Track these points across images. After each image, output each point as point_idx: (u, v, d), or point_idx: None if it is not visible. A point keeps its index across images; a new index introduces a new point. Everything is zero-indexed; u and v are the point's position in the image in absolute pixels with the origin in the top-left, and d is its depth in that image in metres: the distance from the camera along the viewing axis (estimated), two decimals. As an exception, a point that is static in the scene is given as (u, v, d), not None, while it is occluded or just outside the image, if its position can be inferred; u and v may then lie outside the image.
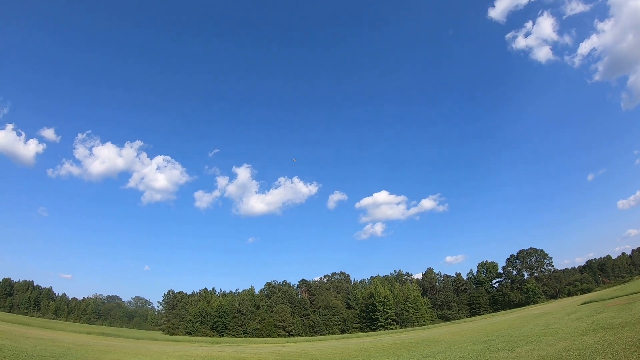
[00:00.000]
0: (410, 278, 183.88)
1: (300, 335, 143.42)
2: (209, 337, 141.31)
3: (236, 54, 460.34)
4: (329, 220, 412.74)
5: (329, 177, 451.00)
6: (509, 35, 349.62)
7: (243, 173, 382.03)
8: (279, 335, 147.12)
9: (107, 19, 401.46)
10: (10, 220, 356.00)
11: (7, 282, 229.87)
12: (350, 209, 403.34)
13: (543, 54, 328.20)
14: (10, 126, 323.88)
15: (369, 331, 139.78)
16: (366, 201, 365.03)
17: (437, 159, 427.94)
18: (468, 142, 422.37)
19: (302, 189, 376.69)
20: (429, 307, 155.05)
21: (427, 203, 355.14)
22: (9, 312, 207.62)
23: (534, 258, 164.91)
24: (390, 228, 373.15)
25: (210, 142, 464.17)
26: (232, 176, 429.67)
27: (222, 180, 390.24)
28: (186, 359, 37.35)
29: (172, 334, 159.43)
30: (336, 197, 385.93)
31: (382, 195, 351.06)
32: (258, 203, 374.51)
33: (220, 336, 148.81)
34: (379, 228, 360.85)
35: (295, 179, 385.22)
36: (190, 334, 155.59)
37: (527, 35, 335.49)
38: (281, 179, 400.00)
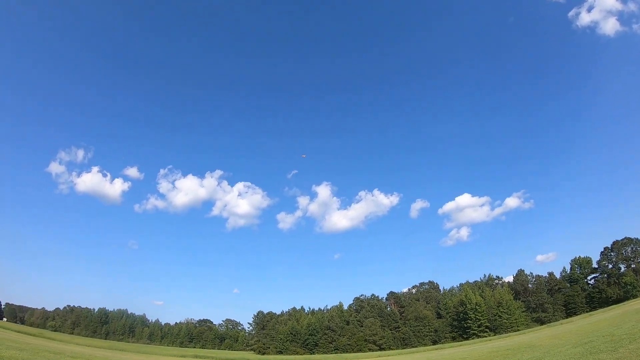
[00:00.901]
0: (500, 282, 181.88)
1: (392, 349, 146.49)
2: (299, 355, 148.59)
3: (304, 71, 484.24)
4: (413, 229, 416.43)
5: (410, 186, 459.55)
6: (571, 14, 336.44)
7: (323, 191, 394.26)
8: (369, 349, 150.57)
9: (178, 55, 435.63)
10: (103, 255, 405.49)
11: (103, 312, 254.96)
12: (433, 215, 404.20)
13: (610, 26, 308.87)
14: (95, 169, 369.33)
15: (461, 340, 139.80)
16: (449, 206, 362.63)
17: (516, 154, 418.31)
18: (545, 131, 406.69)
19: (383, 200, 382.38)
20: (523, 311, 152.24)
21: (512, 201, 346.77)
22: (105, 339, 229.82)
23: (630, 248, 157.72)
24: (476, 231, 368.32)
25: (288, 163, 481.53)
26: (313, 195, 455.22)
27: (303, 200, 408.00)
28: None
29: (263, 354, 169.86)
30: (418, 205, 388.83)
31: (464, 199, 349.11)
32: (341, 219, 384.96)
33: (311, 353, 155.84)
34: (464, 232, 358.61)
35: (376, 191, 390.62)
36: (281, 352, 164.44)
37: (590, 9, 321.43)
38: (361, 193, 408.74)
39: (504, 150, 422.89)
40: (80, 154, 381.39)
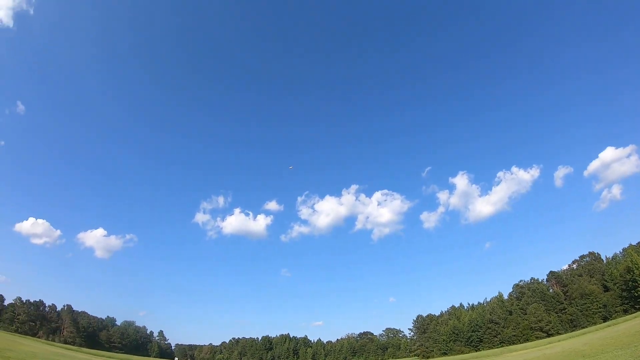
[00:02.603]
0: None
1: (559, 333, 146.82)
2: (465, 354, 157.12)
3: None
4: (562, 199, 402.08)
5: (548, 155, 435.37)
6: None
7: (460, 181, 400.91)
8: (537, 337, 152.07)
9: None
10: (259, 287, 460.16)
11: (267, 339, 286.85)
12: (579, 180, 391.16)
13: None
14: (237, 210, 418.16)
15: (634, 312, 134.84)
16: (593, 165, 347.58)
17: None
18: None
19: (523, 176, 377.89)
20: None
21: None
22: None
23: None
24: (628, 186, 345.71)
25: (420, 161, 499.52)
26: (451, 188, 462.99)
27: (442, 196, 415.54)
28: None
29: (428, 357, 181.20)
30: (561, 172, 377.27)
31: (608, 153, 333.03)
32: (484, 206, 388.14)
33: (476, 350, 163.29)
34: (616, 191, 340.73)
35: (514, 169, 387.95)
36: (445, 354, 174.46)
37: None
38: (500, 174, 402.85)
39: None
40: (221, 200, 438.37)
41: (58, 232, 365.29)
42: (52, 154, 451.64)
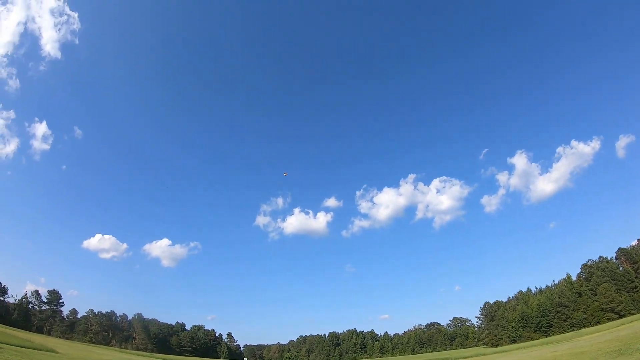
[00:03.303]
0: None
1: (632, 314, 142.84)
2: (535, 340, 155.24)
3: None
4: (627, 170, 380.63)
5: (607, 125, 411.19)
6: None
7: (519, 161, 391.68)
8: (608, 319, 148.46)
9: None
10: (325, 282, 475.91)
11: (334, 335, 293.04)
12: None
13: None
14: (297, 210, 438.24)
15: None
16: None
17: None
18: None
19: (584, 150, 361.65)
20: None
21: None
22: (339, 359, 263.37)
23: None
24: None
25: (477, 143, 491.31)
26: (510, 168, 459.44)
27: (502, 177, 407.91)
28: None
29: (497, 346, 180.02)
30: (622, 142, 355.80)
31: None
32: (546, 184, 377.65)
33: (546, 336, 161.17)
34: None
35: (574, 142, 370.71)
36: (514, 341, 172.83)
37: None
38: (559, 150, 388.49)
39: None
40: (280, 201, 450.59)
41: (125, 245, 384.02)
42: (111, 173, 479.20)
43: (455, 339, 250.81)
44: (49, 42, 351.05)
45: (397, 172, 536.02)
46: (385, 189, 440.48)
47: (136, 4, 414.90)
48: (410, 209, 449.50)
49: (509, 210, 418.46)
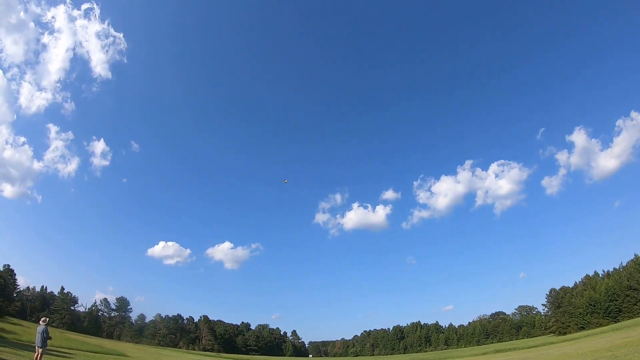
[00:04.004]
0: None
1: None
2: (604, 327, 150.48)
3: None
4: None
5: None
6: None
7: (578, 138, 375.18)
8: None
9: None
10: (387, 276, 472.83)
11: (398, 329, 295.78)
12: None
13: None
14: (355, 205, 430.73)
15: None
16: None
17: None
18: None
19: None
20: None
21: None
22: (404, 353, 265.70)
23: None
24: None
25: (532, 123, 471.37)
26: (569, 146, 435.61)
27: (561, 157, 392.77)
28: (590, 355, 41.71)
29: (564, 334, 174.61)
30: None
31: None
32: (608, 160, 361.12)
33: (615, 322, 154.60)
34: None
35: (633, 114, 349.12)
36: (583, 328, 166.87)
37: None
38: (619, 122, 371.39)
39: None
40: (338, 197, 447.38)
41: (188, 250, 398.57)
42: (170, 181, 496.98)
43: (521, 328, 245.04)
44: (99, 63, 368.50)
45: (453, 159, 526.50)
46: (443, 177, 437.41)
47: (180, 17, 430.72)
48: (470, 196, 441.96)
49: (571, 190, 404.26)
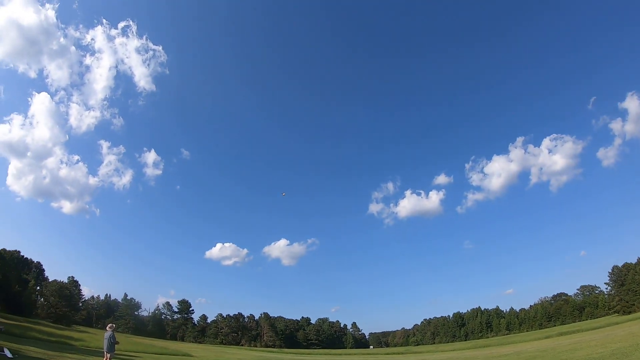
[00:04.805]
0: None
1: None
2: None
3: None
4: None
5: None
6: None
7: (632, 104, 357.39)
8: None
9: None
10: (444, 262, 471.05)
11: (458, 315, 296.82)
12: None
13: None
14: (408, 192, 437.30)
15: None
16: None
17: None
18: None
19: None
20: None
21: None
22: (465, 340, 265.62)
23: None
24: None
25: (583, 91, 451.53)
26: (623, 114, 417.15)
27: (615, 126, 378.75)
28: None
29: (629, 313, 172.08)
30: None
31: None
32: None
33: None
34: None
35: None
36: None
37: None
38: None
39: None
40: (391, 186, 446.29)
41: (245, 250, 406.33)
42: (222, 184, 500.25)
43: (584, 309, 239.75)
44: (142, 78, 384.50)
45: (504, 137, 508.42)
46: (495, 157, 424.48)
47: (212, 22, 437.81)
48: (524, 175, 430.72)
49: (628, 161, 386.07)
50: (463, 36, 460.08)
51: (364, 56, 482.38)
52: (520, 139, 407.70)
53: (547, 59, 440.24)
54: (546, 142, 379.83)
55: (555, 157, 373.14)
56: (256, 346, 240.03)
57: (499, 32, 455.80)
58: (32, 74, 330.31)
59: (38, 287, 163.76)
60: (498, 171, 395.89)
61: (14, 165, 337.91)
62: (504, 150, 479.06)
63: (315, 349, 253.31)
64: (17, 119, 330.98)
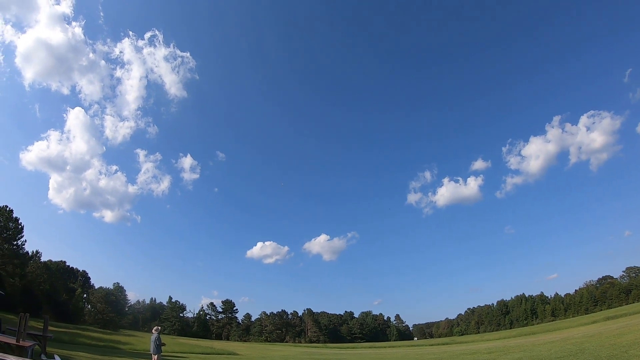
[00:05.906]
0: None
1: None
2: None
3: None
4: None
5: None
6: None
7: None
8: None
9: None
10: (485, 249, 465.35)
11: (502, 304, 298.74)
12: None
13: None
14: (445, 180, 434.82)
15: None
16: None
17: None
18: None
19: None
20: None
21: None
22: (510, 328, 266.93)
23: None
24: None
25: (620, 63, 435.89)
26: None
27: None
28: None
29: None
30: None
31: None
32: None
33: None
34: None
35: None
36: None
37: None
38: None
39: None
40: (428, 175, 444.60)
41: (286, 248, 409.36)
42: (259, 183, 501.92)
43: (631, 292, 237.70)
44: (173, 85, 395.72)
45: (540, 118, 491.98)
46: (532, 139, 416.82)
47: (232, 27, 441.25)
48: (563, 155, 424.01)
49: None
50: (495, 23, 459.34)
51: (392, 58, 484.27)
52: (557, 118, 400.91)
53: (580, 31, 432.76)
54: (584, 119, 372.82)
55: (593, 134, 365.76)
56: (300, 342, 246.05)
57: (534, 17, 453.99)
58: (65, 91, 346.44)
59: (85, 295, 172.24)
60: (536, 153, 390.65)
61: (54, 179, 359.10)
62: (540, 131, 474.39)
63: (359, 342, 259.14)
64: (54, 134, 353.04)
